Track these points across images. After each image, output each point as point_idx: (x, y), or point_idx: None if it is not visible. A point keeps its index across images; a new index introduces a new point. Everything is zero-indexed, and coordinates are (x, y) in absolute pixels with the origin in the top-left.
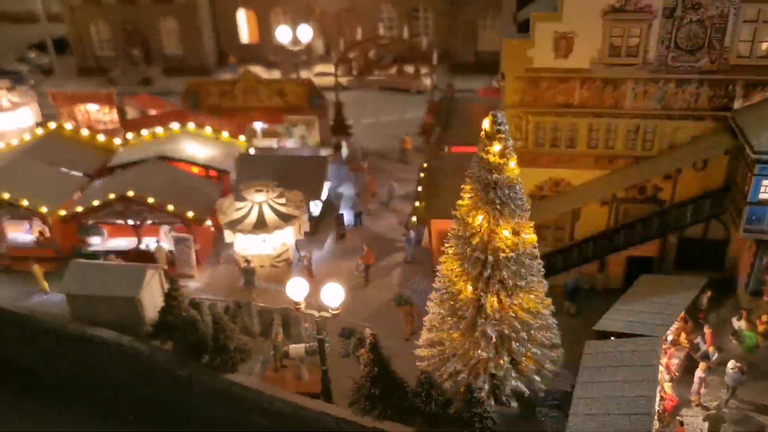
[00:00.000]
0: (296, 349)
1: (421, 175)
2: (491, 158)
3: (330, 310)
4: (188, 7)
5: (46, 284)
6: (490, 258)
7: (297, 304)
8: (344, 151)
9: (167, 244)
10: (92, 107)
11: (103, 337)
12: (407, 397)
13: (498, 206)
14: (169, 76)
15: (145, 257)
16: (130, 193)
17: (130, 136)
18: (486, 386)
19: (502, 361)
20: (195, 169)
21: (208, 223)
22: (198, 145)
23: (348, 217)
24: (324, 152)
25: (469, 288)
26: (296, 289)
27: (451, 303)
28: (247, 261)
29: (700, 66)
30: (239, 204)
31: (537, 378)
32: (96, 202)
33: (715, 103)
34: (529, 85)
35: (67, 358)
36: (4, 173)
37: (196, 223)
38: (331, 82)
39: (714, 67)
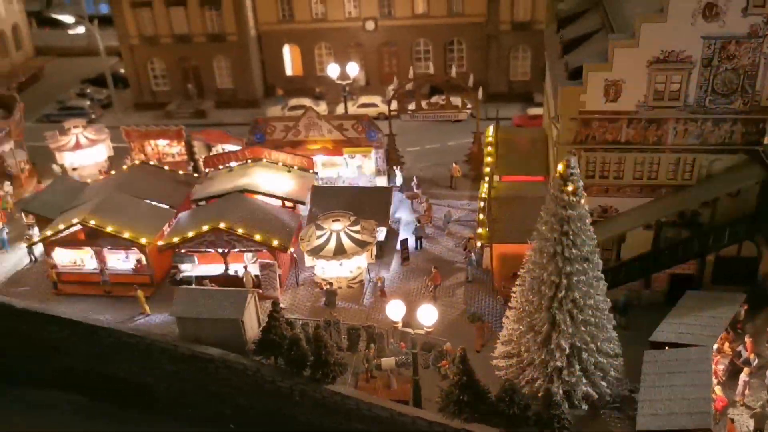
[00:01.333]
0: (387, 361)
1: (481, 204)
2: (565, 197)
3: (424, 328)
4: (240, 44)
5: (147, 307)
6: (564, 281)
7: (395, 322)
8: (398, 179)
9: (253, 270)
10: (162, 142)
11: (212, 354)
12: (491, 402)
13: (571, 237)
14: (220, 109)
15: (233, 282)
16: (222, 225)
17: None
18: (560, 391)
19: (574, 370)
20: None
21: (291, 250)
22: (273, 178)
23: (410, 241)
24: (379, 181)
25: (545, 306)
26: (395, 310)
27: (529, 320)
28: (330, 284)
29: (734, 107)
30: (319, 232)
31: (603, 383)
32: (191, 233)
33: (747, 138)
34: (582, 126)
35: (177, 374)
36: (104, 207)
37: (280, 250)
38: (374, 112)
39: (746, 108)
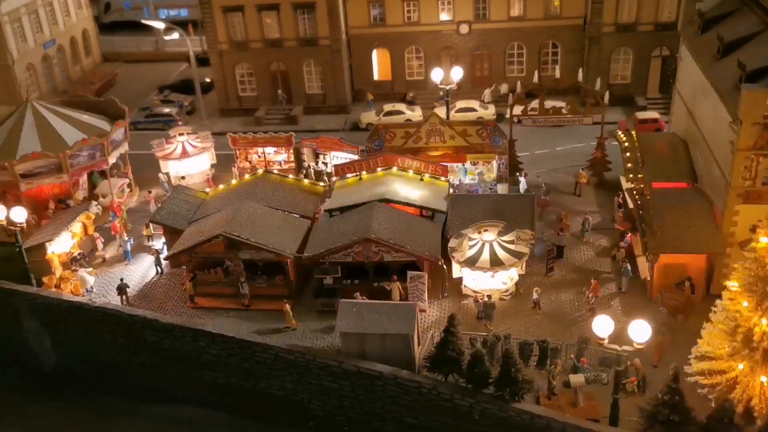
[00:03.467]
0: (576, 378)
1: (640, 211)
2: None
3: (635, 345)
4: (331, 49)
5: (294, 322)
6: None
7: (601, 339)
8: (522, 186)
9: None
10: (269, 149)
11: (380, 371)
12: (696, 423)
13: None
14: (309, 115)
15: (379, 294)
16: (372, 235)
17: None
18: None
19: None
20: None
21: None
22: (407, 186)
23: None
24: (501, 188)
25: (764, 322)
26: (602, 326)
27: (744, 335)
28: (488, 296)
29: None
30: (470, 242)
31: None
32: (339, 244)
33: None
34: (765, 130)
35: (336, 392)
36: (240, 217)
37: (431, 261)
38: (472, 116)
39: None
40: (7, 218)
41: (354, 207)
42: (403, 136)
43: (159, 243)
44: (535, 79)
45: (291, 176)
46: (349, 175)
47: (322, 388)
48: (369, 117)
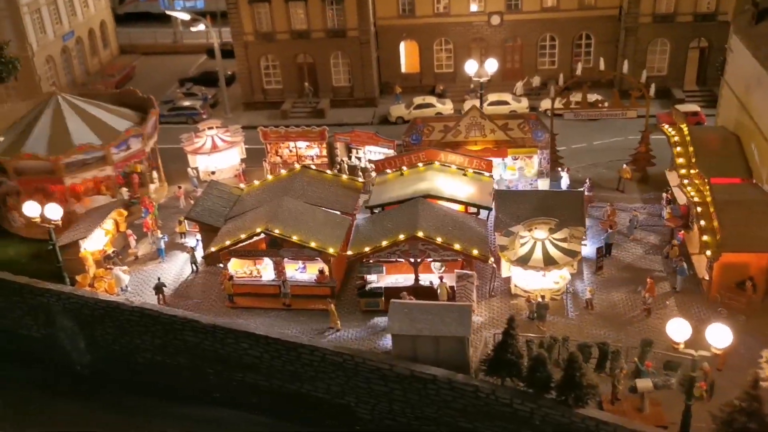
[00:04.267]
0: (644, 383)
1: (698, 209)
2: None
3: (713, 349)
4: (360, 40)
5: (338, 322)
6: None
7: (676, 344)
8: (564, 182)
9: (449, 281)
10: (300, 144)
11: (435, 374)
12: None
13: None
14: (336, 108)
15: (425, 293)
16: (420, 233)
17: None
18: None
19: None
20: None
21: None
22: (450, 182)
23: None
24: (541, 183)
25: None
26: (678, 329)
27: None
28: (542, 296)
29: None
30: (521, 240)
31: None
32: (385, 242)
33: None
34: None
35: (386, 395)
36: (280, 214)
37: (481, 260)
38: (505, 110)
39: None
40: (42, 215)
41: (396, 203)
42: (441, 130)
43: (193, 240)
44: (578, 71)
45: (329, 171)
46: (388, 171)
47: (371, 392)
48: (399, 110)
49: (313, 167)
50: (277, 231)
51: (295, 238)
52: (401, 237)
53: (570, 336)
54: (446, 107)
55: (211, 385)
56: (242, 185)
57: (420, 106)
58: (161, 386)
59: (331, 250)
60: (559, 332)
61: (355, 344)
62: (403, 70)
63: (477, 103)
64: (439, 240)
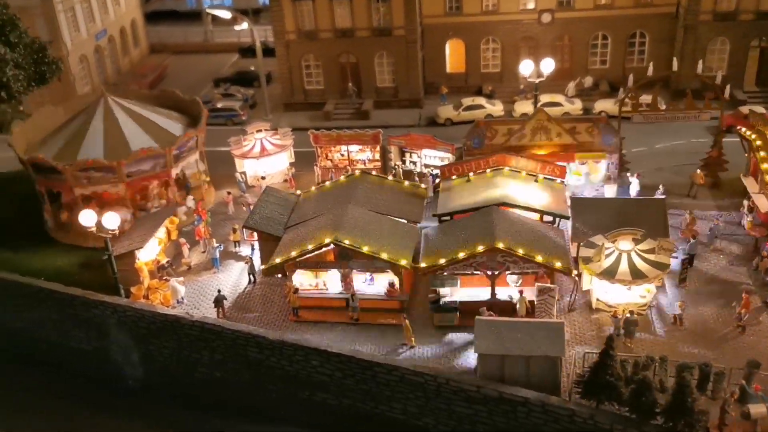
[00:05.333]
0: (758, 409)
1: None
2: None
3: None
4: (406, 39)
5: (413, 339)
6: None
7: None
8: (634, 188)
9: (529, 295)
10: (352, 147)
11: (526, 397)
12: None
13: None
14: (379, 109)
15: (503, 308)
16: (500, 245)
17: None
18: None
19: None
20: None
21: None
22: (522, 189)
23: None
24: (608, 189)
25: None
26: None
27: None
28: (631, 312)
29: None
30: (606, 251)
31: None
32: (462, 254)
33: None
34: None
35: (469, 418)
36: (347, 224)
37: (564, 273)
38: (558, 111)
39: None
40: (98, 224)
41: (467, 212)
42: (505, 133)
43: (248, 249)
44: (650, 71)
45: (390, 177)
46: (454, 177)
47: (452, 414)
48: (447, 112)
49: (374, 173)
50: (347, 241)
51: (365, 249)
52: (480, 248)
53: (662, 355)
54: (496, 108)
55: (272, 403)
56: (298, 191)
57: (469, 108)
58: (218, 403)
59: (403, 262)
60: (648, 350)
61: (431, 362)
62: (448, 69)
63: (527, 104)
64: (520, 252)
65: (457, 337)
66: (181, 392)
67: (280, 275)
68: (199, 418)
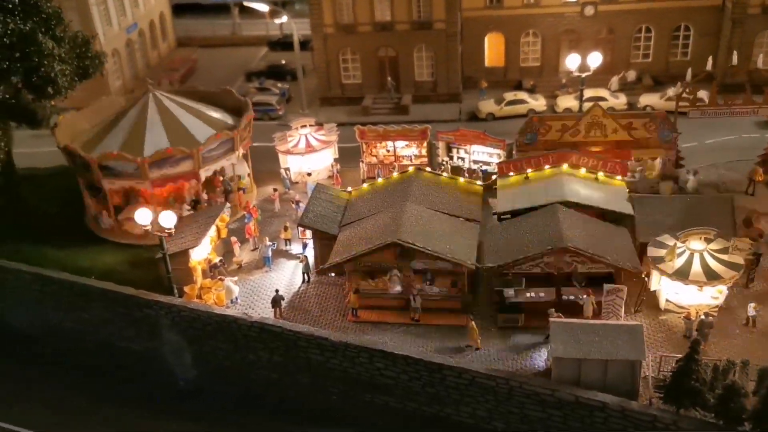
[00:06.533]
0: None
1: None
2: None
3: None
4: (447, 33)
5: (479, 340)
6: None
7: None
8: (691, 185)
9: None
10: (400, 143)
11: (605, 401)
12: None
13: None
14: (417, 104)
15: (568, 308)
16: (569, 245)
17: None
18: None
19: None
20: None
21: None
22: (582, 187)
23: None
24: (663, 186)
25: None
26: None
27: None
28: (706, 314)
29: None
30: (678, 252)
31: None
32: (528, 254)
33: None
34: None
35: (544, 422)
36: (407, 223)
37: (633, 273)
38: (604, 106)
39: None
40: (154, 222)
41: (528, 210)
42: (559, 129)
43: (299, 247)
44: (709, 65)
45: (445, 174)
46: (511, 173)
47: (524, 417)
48: (488, 106)
49: (428, 169)
50: (410, 241)
51: (429, 249)
52: (548, 248)
53: (736, 357)
54: (539, 103)
55: (331, 405)
56: (349, 188)
57: (512, 103)
58: (274, 404)
59: (468, 262)
60: (723, 353)
61: (497, 364)
62: (486, 64)
63: (569, 99)
64: (589, 252)
65: (522, 338)
66: (236, 394)
67: (333, 274)
68: (256, 420)
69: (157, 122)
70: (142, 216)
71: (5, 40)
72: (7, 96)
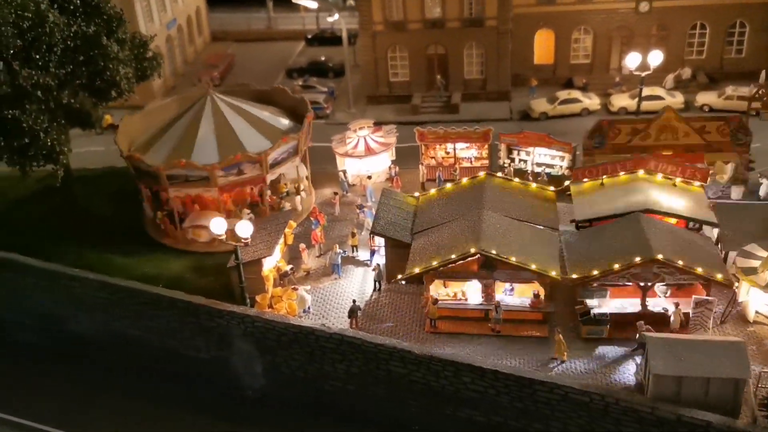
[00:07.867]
0: None
1: None
2: None
3: None
4: (498, 30)
5: (566, 354)
6: None
7: None
8: (764, 190)
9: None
10: (460, 145)
11: (709, 421)
12: None
13: None
14: (467, 102)
15: (654, 320)
16: (659, 256)
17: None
18: None
19: None
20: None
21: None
22: (663, 194)
23: None
24: (734, 191)
25: None
26: None
27: None
28: None
29: None
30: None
31: None
32: (617, 265)
33: None
34: None
35: None
36: (487, 232)
37: (724, 285)
38: (658, 105)
39: None
40: (229, 232)
41: (608, 218)
42: (629, 132)
43: (368, 254)
44: None
45: (516, 179)
46: (585, 179)
47: None
48: (542, 105)
49: (499, 174)
50: (494, 251)
51: (513, 259)
52: (637, 259)
53: None
54: (593, 102)
55: (409, 417)
56: (416, 193)
57: (565, 101)
58: (348, 415)
59: (553, 273)
60: None
61: (585, 378)
62: (535, 61)
63: (623, 97)
64: (680, 263)
65: (608, 351)
66: (306, 403)
67: (404, 282)
68: (325, 429)
69: (210, 131)
70: (217, 225)
71: (69, 43)
72: (72, 101)
